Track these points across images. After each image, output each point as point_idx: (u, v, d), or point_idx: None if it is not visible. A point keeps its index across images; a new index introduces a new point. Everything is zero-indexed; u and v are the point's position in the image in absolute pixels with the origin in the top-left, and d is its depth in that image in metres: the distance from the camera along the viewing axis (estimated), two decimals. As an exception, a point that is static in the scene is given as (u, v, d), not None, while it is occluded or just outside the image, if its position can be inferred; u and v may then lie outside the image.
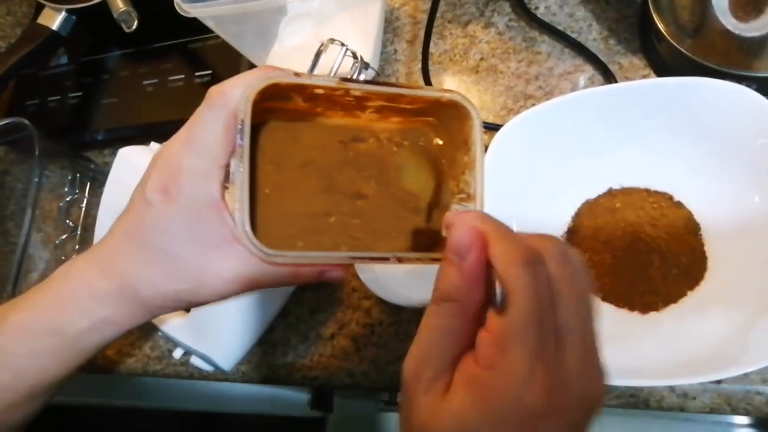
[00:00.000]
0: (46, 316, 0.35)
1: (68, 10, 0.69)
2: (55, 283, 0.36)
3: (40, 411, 0.40)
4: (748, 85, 0.46)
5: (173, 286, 0.34)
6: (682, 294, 0.47)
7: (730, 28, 0.46)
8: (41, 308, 0.36)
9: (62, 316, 0.35)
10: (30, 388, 0.37)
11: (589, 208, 0.53)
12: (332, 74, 0.57)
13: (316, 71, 0.58)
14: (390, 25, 0.68)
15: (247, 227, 0.31)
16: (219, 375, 0.60)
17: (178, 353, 0.59)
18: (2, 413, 0.37)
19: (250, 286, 0.34)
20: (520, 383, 0.25)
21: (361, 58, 0.58)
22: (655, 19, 0.52)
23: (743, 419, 0.85)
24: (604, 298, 0.49)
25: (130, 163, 0.59)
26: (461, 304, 0.28)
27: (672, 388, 0.47)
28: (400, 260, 0.34)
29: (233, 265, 0.33)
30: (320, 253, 0.35)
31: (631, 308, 0.48)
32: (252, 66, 0.68)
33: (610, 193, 0.53)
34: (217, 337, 0.54)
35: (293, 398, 1.36)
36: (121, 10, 0.62)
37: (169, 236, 0.33)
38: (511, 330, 0.26)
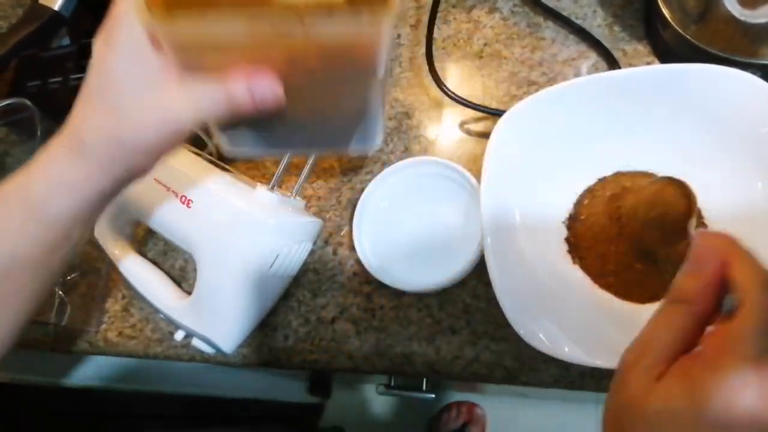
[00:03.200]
0: (14, 185, 0.37)
1: (70, -9, 0.68)
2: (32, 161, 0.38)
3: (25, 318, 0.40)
4: (753, 73, 0.46)
5: (116, 131, 0.35)
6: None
7: (735, 14, 0.46)
8: (12, 180, 0.37)
9: (27, 183, 0.37)
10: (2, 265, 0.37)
11: (591, 194, 0.53)
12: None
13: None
14: (393, 10, 0.68)
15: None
16: (220, 357, 0.60)
17: (179, 335, 0.59)
18: None
19: (181, 117, 0.34)
20: (736, 387, 0.26)
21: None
22: (660, 6, 0.52)
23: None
24: (608, 287, 0.49)
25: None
26: (694, 307, 0.30)
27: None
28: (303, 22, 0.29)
29: (168, 96, 0.34)
30: (210, 14, 0.29)
31: (635, 297, 0.48)
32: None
33: (613, 180, 0.52)
34: (219, 319, 0.55)
35: (292, 383, 1.37)
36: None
37: (110, 79, 0.34)
38: (740, 336, 0.27)
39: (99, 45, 0.34)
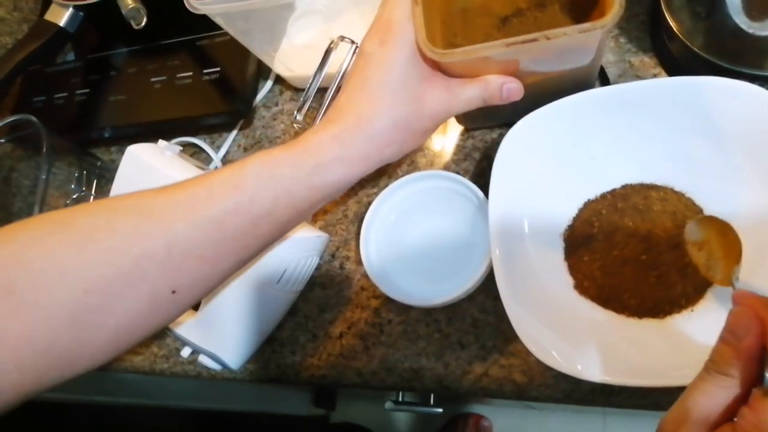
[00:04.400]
0: (287, 155, 0.41)
1: (76, 7, 0.69)
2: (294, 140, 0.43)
3: (262, 246, 0.43)
4: (761, 85, 0.45)
5: (397, 111, 0.42)
6: (694, 296, 0.47)
7: (743, 27, 0.46)
8: (283, 150, 0.42)
9: (301, 154, 0.41)
10: (260, 214, 0.40)
11: (595, 207, 0.52)
12: (341, 73, 0.57)
13: (325, 69, 0.57)
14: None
15: (422, 37, 0.42)
16: (227, 374, 0.60)
17: (186, 352, 0.59)
18: (232, 240, 0.40)
19: (452, 110, 0.45)
20: None
21: (371, 56, 0.58)
22: (667, 18, 0.52)
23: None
24: (608, 301, 0.49)
25: (139, 161, 0.59)
26: (733, 379, 0.30)
27: (684, 389, 0.47)
28: (548, 38, 0.40)
29: (439, 91, 0.44)
30: (478, 45, 0.41)
31: (640, 310, 0.48)
32: (260, 62, 0.68)
33: (620, 193, 0.52)
34: (226, 335, 0.54)
35: (296, 395, 1.36)
36: (130, 6, 0.62)
37: (390, 71, 0.42)
38: None
39: (374, 44, 0.42)
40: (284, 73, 0.65)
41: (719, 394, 0.30)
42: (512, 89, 0.45)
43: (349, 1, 0.64)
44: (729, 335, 0.31)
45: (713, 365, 0.31)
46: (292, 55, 0.63)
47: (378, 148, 0.43)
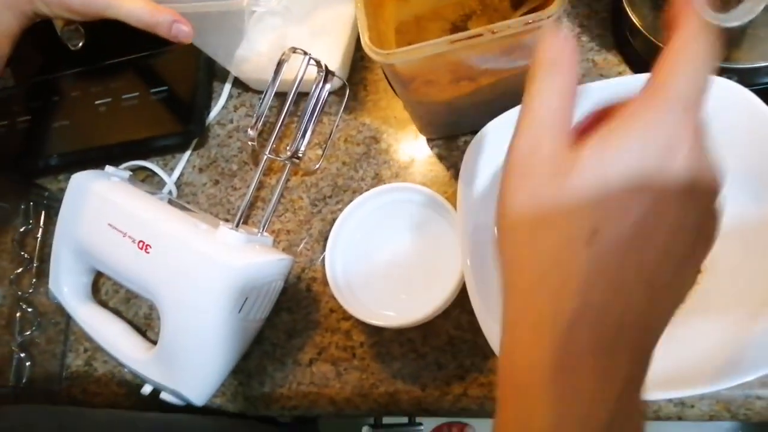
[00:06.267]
0: None
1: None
2: None
3: None
4: (730, 77, 0.44)
5: None
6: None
7: (708, 18, 0.44)
8: None
9: None
10: None
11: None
12: (296, 85, 0.54)
13: (278, 81, 0.55)
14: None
15: (365, 39, 0.42)
16: (192, 410, 0.56)
17: (147, 389, 0.55)
18: None
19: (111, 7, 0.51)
20: (674, 136, 0.23)
21: (326, 66, 0.55)
22: (629, 13, 0.51)
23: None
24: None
25: (84, 189, 0.55)
26: (568, 65, 0.26)
27: (669, 398, 0.45)
28: (493, 32, 0.39)
29: None
30: (422, 44, 0.40)
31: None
32: (212, 78, 0.65)
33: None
34: (187, 370, 0.51)
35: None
36: (64, 27, 0.58)
37: None
38: (673, 82, 0.24)
39: None
40: (242, 76, 0.62)
41: (566, 83, 0.27)
42: (182, 31, 0.50)
43: (310, 4, 0.61)
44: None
45: (544, 59, 0.27)
46: (251, 61, 0.61)
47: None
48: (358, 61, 0.63)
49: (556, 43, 0.26)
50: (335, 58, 0.59)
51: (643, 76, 0.46)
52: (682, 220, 0.24)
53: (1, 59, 0.54)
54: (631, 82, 0.47)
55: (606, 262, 0.24)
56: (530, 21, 0.39)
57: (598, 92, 0.47)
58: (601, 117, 0.26)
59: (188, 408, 0.53)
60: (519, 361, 0.25)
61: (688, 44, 0.25)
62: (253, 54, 0.61)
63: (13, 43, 0.55)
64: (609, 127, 0.24)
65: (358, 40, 0.64)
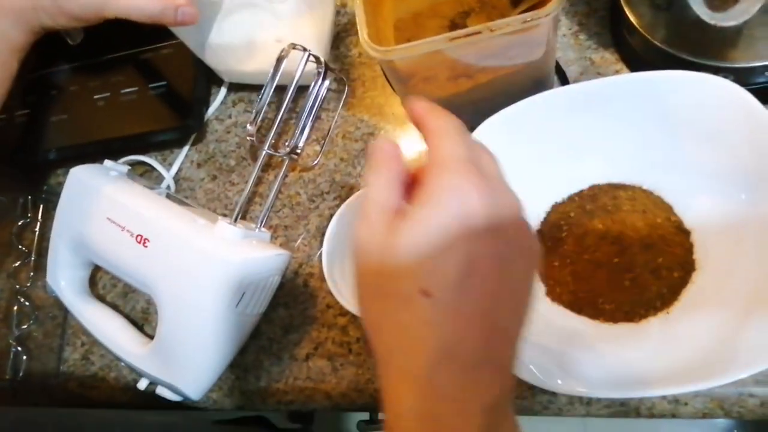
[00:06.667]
0: None
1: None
2: None
3: None
4: (726, 76, 0.44)
5: None
6: (669, 298, 0.45)
7: (704, 18, 0.45)
8: None
9: None
10: None
11: (563, 210, 0.51)
12: (295, 81, 0.54)
13: (278, 77, 0.55)
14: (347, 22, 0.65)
15: (363, 35, 0.43)
16: (188, 404, 0.56)
17: (143, 384, 0.55)
18: None
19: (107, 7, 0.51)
20: (459, 191, 0.28)
21: (326, 63, 0.55)
22: (626, 12, 0.51)
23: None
24: (582, 307, 0.47)
25: (83, 184, 0.56)
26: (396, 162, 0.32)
27: (663, 395, 0.46)
28: (492, 30, 0.40)
29: None
30: (420, 41, 0.41)
31: (616, 315, 0.46)
32: (210, 73, 0.65)
33: (588, 194, 0.51)
34: (184, 365, 0.51)
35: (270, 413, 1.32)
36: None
37: None
38: (439, 153, 0.29)
39: None
40: (217, 68, 0.62)
41: (387, 175, 0.31)
42: (188, 14, 0.50)
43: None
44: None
45: (378, 159, 0.32)
46: (220, 51, 0.60)
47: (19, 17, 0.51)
48: (355, 57, 0.64)
49: (385, 148, 0.32)
50: (317, 47, 0.58)
51: (640, 75, 0.46)
52: (498, 248, 0.28)
53: (11, 76, 0.54)
54: (628, 80, 0.47)
55: (442, 311, 0.27)
56: (528, 19, 0.39)
57: (593, 91, 0.47)
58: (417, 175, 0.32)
59: (184, 403, 0.53)
60: (393, 410, 0.29)
61: (438, 125, 0.31)
62: (223, 44, 0.61)
63: (20, 59, 0.54)
64: (413, 205, 0.29)
65: (337, 23, 0.64)
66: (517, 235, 0.30)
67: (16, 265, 0.66)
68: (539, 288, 0.49)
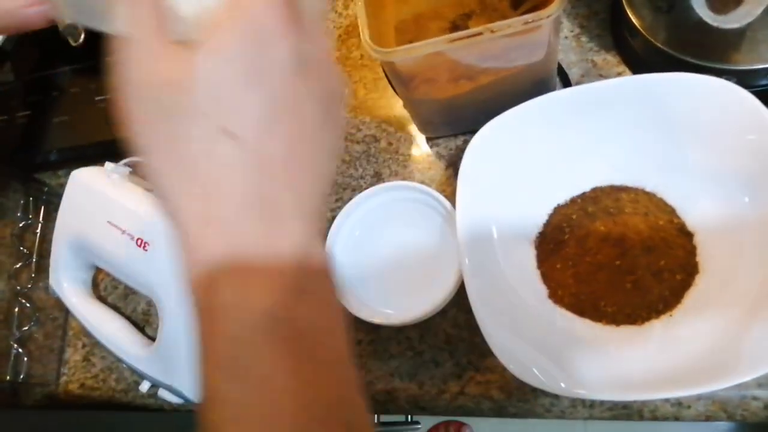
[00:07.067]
0: None
1: (12, 25, 0.64)
2: None
3: None
4: (728, 79, 0.44)
5: None
6: (671, 300, 0.45)
7: (707, 20, 0.45)
8: None
9: None
10: None
11: (565, 212, 0.51)
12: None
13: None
14: (355, 29, 0.65)
15: (365, 36, 0.43)
16: (190, 406, 0.56)
17: (144, 386, 0.55)
18: None
19: None
20: (270, 21, 0.24)
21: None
22: (628, 14, 0.51)
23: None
24: (584, 310, 0.47)
25: (84, 186, 0.56)
26: None
27: (666, 398, 0.46)
28: (493, 31, 0.40)
29: None
30: (421, 43, 0.41)
31: (618, 318, 0.46)
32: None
33: (590, 196, 0.50)
34: (185, 368, 0.51)
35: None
36: (67, 23, 0.58)
37: None
38: None
39: None
40: None
41: None
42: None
43: None
44: None
45: None
46: None
47: None
48: (357, 59, 0.64)
49: None
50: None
51: (642, 77, 0.46)
52: (304, 88, 0.26)
53: None
54: (630, 82, 0.47)
55: (249, 156, 0.25)
56: (530, 20, 0.39)
57: (595, 93, 0.47)
58: None
59: (186, 405, 0.53)
60: (197, 252, 0.25)
61: None
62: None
63: None
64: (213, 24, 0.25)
65: (339, 25, 0.64)
66: (322, 76, 0.27)
67: (18, 266, 0.65)
68: (542, 290, 0.49)
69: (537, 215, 0.51)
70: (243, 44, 0.24)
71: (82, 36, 0.61)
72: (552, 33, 0.44)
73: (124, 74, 0.25)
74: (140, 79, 0.25)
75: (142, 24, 0.25)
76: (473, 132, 0.48)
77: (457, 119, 0.54)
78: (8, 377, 0.62)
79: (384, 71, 0.57)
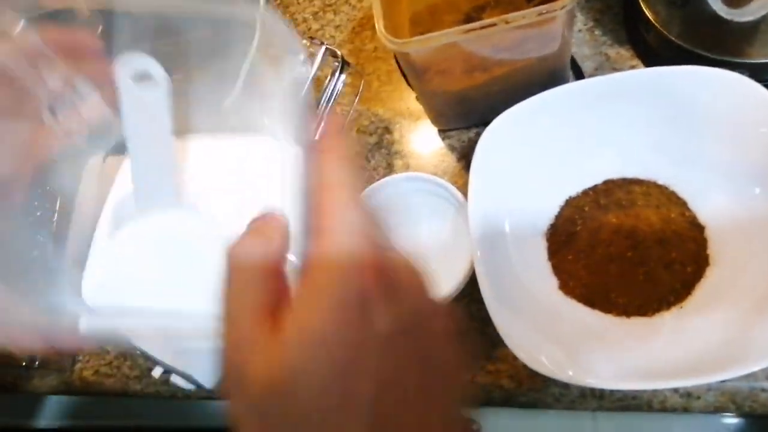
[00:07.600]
0: None
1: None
2: None
3: None
4: (742, 73, 0.44)
5: None
6: (682, 292, 0.45)
7: (721, 14, 0.45)
8: None
9: None
10: None
11: (577, 204, 0.51)
12: (311, 76, 0.55)
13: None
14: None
15: (380, 27, 0.43)
16: (202, 393, 0.57)
17: (157, 372, 0.56)
18: None
19: None
20: (347, 256, 0.21)
21: (342, 57, 0.56)
22: (643, 7, 0.51)
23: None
24: (595, 301, 0.47)
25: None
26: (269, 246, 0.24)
27: (675, 389, 0.46)
28: (507, 22, 0.41)
29: None
30: (435, 33, 0.42)
31: (628, 309, 0.46)
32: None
33: (602, 189, 0.51)
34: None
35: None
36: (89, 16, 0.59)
37: None
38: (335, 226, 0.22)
39: None
40: None
41: (260, 275, 0.23)
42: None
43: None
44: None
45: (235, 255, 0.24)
46: None
47: None
48: (371, 51, 0.64)
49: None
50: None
51: (656, 70, 0.46)
52: (395, 362, 0.22)
53: None
54: (643, 75, 0.47)
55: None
56: (544, 11, 0.40)
57: (608, 86, 0.47)
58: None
59: (198, 392, 0.54)
60: None
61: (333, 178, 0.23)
62: None
63: None
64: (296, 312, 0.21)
65: (353, 17, 0.64)
66: (429, 347, 0.23)
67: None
68: (553, 282, 0.49)
69: (549, 207, 0.51)
70: (333, 323, 0.20)
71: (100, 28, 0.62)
72: (566, 25, 0.44)
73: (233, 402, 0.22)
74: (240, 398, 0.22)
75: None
76: (486, 124, 0.49)
77: (470, 111, 0.55)
78: (24, 362, 0.63)
79: (398, 63, 0.58)
